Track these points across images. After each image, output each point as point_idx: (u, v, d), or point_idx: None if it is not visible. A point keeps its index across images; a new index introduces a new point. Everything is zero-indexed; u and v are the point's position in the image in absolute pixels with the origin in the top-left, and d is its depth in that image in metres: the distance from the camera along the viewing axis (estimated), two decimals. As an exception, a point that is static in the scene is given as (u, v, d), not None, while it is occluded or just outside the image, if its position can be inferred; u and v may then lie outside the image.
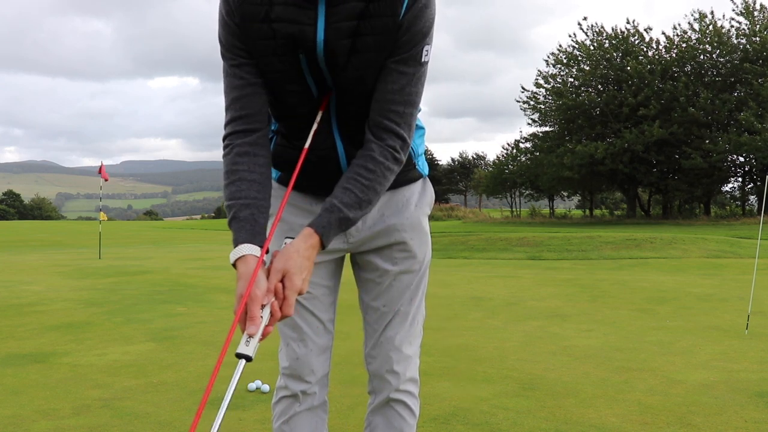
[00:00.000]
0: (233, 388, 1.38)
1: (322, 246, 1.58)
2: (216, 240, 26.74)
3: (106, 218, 24.56)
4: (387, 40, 1.58)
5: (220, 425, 1.35)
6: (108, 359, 4.78)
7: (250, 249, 1.53)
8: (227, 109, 1.68)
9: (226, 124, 1.68)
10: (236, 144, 1.65)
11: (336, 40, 1.58)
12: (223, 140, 1.68)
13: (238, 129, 1.66)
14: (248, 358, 1.41)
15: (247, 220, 1.57)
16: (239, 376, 1.40)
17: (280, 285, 1.49)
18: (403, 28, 1.57)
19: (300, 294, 1.51)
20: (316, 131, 1.72)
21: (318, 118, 1.71)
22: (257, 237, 1.56)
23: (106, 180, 16.32)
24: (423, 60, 1.63)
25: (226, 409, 1.37)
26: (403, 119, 1.65)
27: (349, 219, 1.61)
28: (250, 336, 1.42)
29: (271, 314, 1.47)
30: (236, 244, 1.55)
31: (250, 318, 1.44)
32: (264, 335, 1.45)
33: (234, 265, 1.53)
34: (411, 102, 1.65)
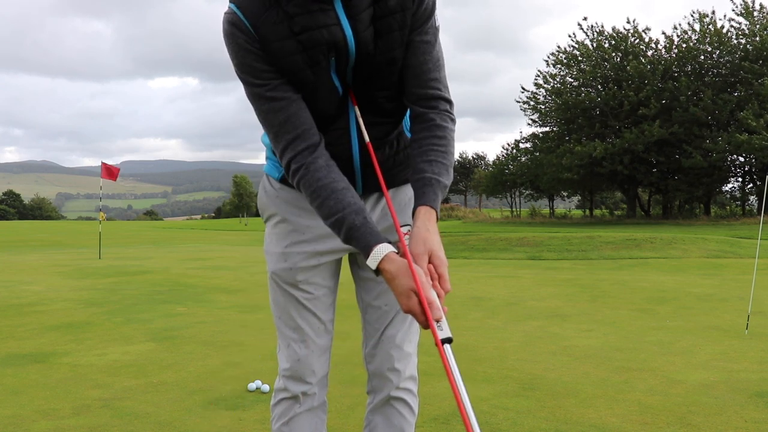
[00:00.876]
0: (457, 372, 1.38)
1: (438, 218, 1.64)
2: (216, 240, 26.75)
3: (104, 218, 24.54)
4: (406, 16, 1.63)
5: (472, 413, 1.34)
6: (108, 359, 4.77)
7: (387, 248, 1.54)
8: (278, 134, 1.64)
9: (285, 149, 1.65)
10: (308, 162, 1.63)
11: (362, 31, 1.60)
12: (288, 166, 1.66)
13: (302, 148, 1.64)
14: (451, 340, 1.44)
15: (365, 225, 1.58)
16: (455, 362, 1.41)
17: (431, 266, 1.53)
18: (417, 1, 1.63)
19: (447, 267, 1.56)
20: (334, 130, 1.73)
21: (358, 113, 1.73)
22: (381, 236, 1.58)
23: (113, 180, 16.14)
24: (437, 25, 1.70)
25: (467, 399, 1.36)
26: (442, 83, 1.73)
27: (446, 186, 1.67)
28: (438, 320, 1.45)
29: (438, 295, 1.50)
30: (369, 249, 1.55)
31: (431, 304, 1.46)
32: (445, 314, 1.48)
33: (378, 269, 1.54)
34: (441, 65, 1.73)
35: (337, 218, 1.59)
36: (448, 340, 1.43)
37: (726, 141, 37.59)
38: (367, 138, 1.72)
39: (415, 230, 1.58)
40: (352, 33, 1.60)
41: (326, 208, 1.61)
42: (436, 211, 1.63)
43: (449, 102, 1.74)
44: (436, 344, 1.42)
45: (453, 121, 1.74)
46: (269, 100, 1.62)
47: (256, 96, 1.64)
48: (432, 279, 1.52)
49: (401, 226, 1.63)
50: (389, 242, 1.56)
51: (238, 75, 1.64)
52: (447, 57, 1.75)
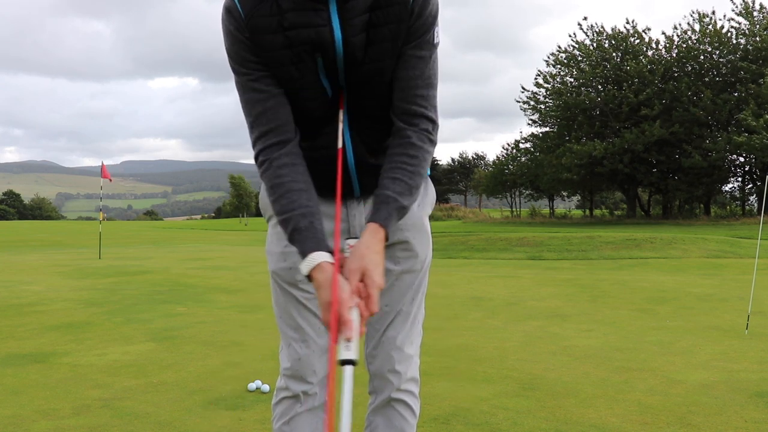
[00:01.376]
0: (349, 395, 1.36)
1: (387, 238, 1.60)
2: (216, 240, 26.75)
3: (104, 218, 24.57)
4: (400, 28, 1.60)
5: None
6: (108, 359, 4.77)
7: (322, 256, 1.53)
8: (253, 125, 1.66)
9: (256, 140, 1.66)
10: (274, 157, 1.64)
11: (353, 36, 1.59)
12: (257, 157, 1.67)
13: (272, 142, 1.65)
14: (354, 362, 1.40)
15: (309, 230, 1.57)
16: (352, 384, 1.38)
17: (361, 284, 1.51)
18: (415, 14, 1.60)
19: (380, 289, 1.52)
20: (329, 131, 1.73)
21: (341, 117, 1.72)
22: (322, 244, 1.56)
23: (109, 180, 16.29)
24: (435, 42, 1.67)
25: (350, 421, 1.34)
26: (429, 102, 1.69)
27: (405, 207, 1.64)
28: (348, 340, 1.42)
29: (360, 315, 1.48)
30: (305, 254, 1.55)
31: (344, 323, 1.44)
32: (360, 335, 1.46)
33: (308, 276, 1.53)
34: (432, 84, 1.69)
35: (285, 217, 1.60)
36: (350, 362, 1.39)
37: (726, 141, 37.59)
38: (340, 143, 1.71)
39: (356, 246, 1.56)
40: (342, 37, 1.59)
41: (278, 205, 1.62)
42: (386, 231, 1.59)
43: (432, 122, 1.70)
44: (331, 362, 1.39)
45: (431, 142, 1.70)
46: (251, 90, 1.64)
47: (239, 84, 1.66)
48: (360, 298, 1.49)
49: (347, 239, 1.61)
50: (330, 252, 1.54)
51: (228, 62, 1.66)
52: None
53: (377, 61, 1.62)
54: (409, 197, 1.65)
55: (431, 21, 1.64)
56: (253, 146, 1.68)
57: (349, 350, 1.41)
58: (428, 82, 1.68)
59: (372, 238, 1.57)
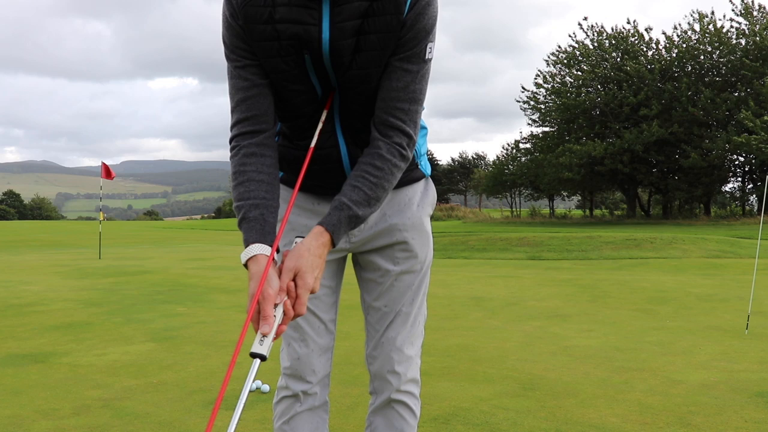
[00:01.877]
0: (248, 388, 1.39)
1: (333, 244, 1.59)
2: (216, 240, 26.74)
3: (104, 217, 24.59)
4: (391, 38, 1.59)
5: (236, 427, 1.37)
6: (108, 359, 4.77)
7: (260, 249, 1.53)
8: (233, 110, 1.68)
9: (233, 126, 1.68)
10: (243, 145, 1.65)
11: (341, 39, 1.58)
12: (230, 142, 1.69)
13: (245, 130, 1.66)
14: (263, 357, 1.41)
15: (257, 220, 1.58)
16: (254, 376, 1.41)
17: (292, 284, 1.51)
18: (407, 26, 1.58)
19: (312, 293, 1.52)
20: (320, 130, 1.72)
21: (323, 117, 1.71)
22: (267, 236, 1.57)
23: (111, 179, 16.28)
24: (426, 57, 1.64)
25: (241, 410, 1.38)
26: (409, 116, 1.66)
27: (359, 216, 1.62)
28: (264, 335, 1.43)
29: (284, 313, 1.48)
30: (247, 244, 1.55)
31: (264, 317, 1.45)
32: (277, 334, 1.46)
33: (245, 265, 1.54)
34: (416, 99, 1.66)
35: (238, 205, 1.62)
36: (260, 357, 1.41)
37: (725, 140, 37.56)
38: (313, 143, 1.71)
39: (296, 245, 1.56)
40: (329, 38, 1.58)
41: (236, 192, 1.63)
42: (331, 235, 1.58)
43: (408, 137, 1.67)
44: (236, 351, 1.41)
45: (403, 157, 1.67)
46: (237, 77, 1.65)
47: (228, 70, 1.67)
48: (290, 297, 1.50)
49: (296, 237, 1.60)
50: (269, 246, 1.55)
51: (223, 48, 1.68)
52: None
53: (364, 68, 1.62)
54: (366, 207, 1.63)
55: (423, 36, 1.61)
56: (231, 129, 1.69)
57: (261, 345, 1.42)
58: (412, 96, 1.64)
59: (314, 240, 1.56)
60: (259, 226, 1.57)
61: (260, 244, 1.54)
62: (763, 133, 34.87)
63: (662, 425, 3.27)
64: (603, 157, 40.80)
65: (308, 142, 1.73)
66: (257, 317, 1.46)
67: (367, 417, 2.00)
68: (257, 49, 1.61)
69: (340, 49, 1.59)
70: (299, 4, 1.56)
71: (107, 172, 16.31)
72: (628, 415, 3.43)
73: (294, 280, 1.51)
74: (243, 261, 1.54)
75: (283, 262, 1.53)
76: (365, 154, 1.67)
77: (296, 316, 1.50)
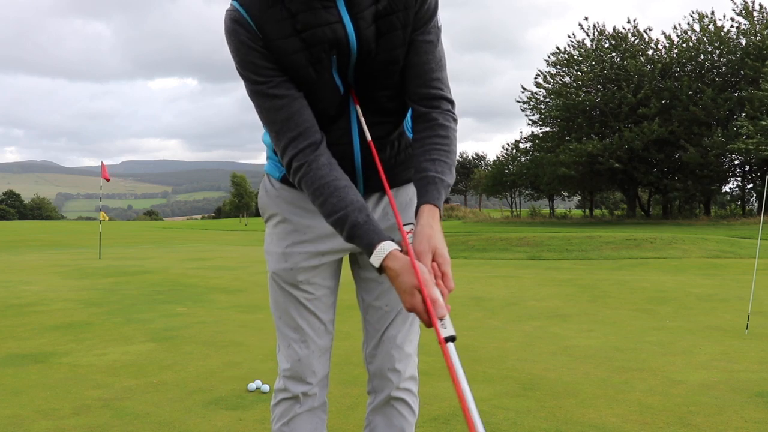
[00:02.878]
0: (461, 371, 1.38)
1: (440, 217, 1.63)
2: (216, 240, 26.74)
3: (107, 218, 24.58)
4: (408, 15, 1.63)
5: (476, 413, 1.41)
6: (108, 359, 4.77)
7: (391, 245, 1.54)
8: (280, 133, 1.63)
9: (287, 147, 1.64)
10: (310, 160, 1.62)
11: (365, 29, 1.60)
12: (290, 165, 1.65)
13: (304, 146, 1.63)
14: (454, 338, 1.41)
15: (368, 223, 1.57)
16: (458, 359, 1.39)
17: (435, 264, 1.52)
18: (420, 0, 1.63)
19: (450, 265, 1.55)
20: (336, 128, 1.73)
21: (359, 112, 1.72)
22: (383, 234, 1.57)
23: (107, 180, 16.31)
24: (439, 25, 1.70)
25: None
26: (444, 83, 1.73)
27: (449, 185, 1.67)
28: (441, 318, 1.43)
29: (441, 293, 1.49)
30: (372, 246, 1.54)
31: (433, 302, 1.44)
32: (448, 311, 1.47)
33: (380, 268, 1.53)
34: (443, 65, 1.73)
35: (339, 216, 1.59)
36: (452, 339, 1.41)
37: (724, 138, 37.50)
38: (369, 137, 1.72)
39: (418, 228, 1.56)
40: (354, 31, 1.60)
41: (329, 205, 1.60)
42: (439, 209, 1.62)
43: (451, 102, 1.74)
44: (440, 342, 1.40)
45: (455, 120, 1.74)
46: (271, 97, 1.61)
47: (257, 93, 1.63)
48: (435, 277, 1.50)
49: (404, 225, 1.62)
50: (392, 240, 1.55)
51: (239, 72, 1.63)
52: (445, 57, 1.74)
53: (390, 50, 1.64)
54: (450, 175, 1.68)
55: (435, 4, 1.67)
56: (283, 154, 1.65)
57: (445, 328, 1.42)
58: (440, 64, 1.71)
59: (432, 218, 1.59)
60: (373, 227, 1.57)
61: (388, 242, 1.54)
62: (760, 137, 34.82)
63: (662, 425, 3.27)
64: (599, 155, 40.75)
65: (329, 139, 1.72)
66: (424, 308, 1.45)
67: (366, 416, 2.00)
68: (287, 63, 1.59)
69: (367, 39, 1.61)
70: (316, 6, 1.56)
71: (105, 173, 16.36)
72: (628, 415, 3.43)
73: (434, 259, 1.52)
74: (377, 264, 1.53)
75: (408, 250, 1.53)
76: (421, 129, 1.70)
77: (449, 291, 1.51)
